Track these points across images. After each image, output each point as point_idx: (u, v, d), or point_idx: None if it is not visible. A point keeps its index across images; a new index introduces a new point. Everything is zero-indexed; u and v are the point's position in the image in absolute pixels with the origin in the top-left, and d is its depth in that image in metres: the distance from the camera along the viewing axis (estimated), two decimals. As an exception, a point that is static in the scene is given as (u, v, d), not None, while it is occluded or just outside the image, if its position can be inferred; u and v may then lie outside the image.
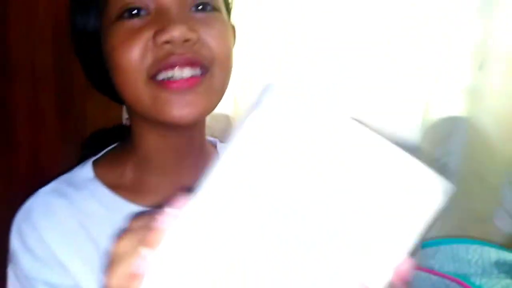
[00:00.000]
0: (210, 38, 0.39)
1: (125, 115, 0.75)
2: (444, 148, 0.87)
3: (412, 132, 0.81)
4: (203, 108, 0.39)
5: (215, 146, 0.50)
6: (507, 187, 0.82)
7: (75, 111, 0.79)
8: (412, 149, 0.78)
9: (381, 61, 0.81)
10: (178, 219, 0.24)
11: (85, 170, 0.45)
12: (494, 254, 0.45)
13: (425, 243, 0.53)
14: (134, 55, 0.37)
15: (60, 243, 0.41)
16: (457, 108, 0.86)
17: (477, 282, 0.41)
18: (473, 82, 0.83)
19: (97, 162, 0.46)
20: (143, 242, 0.25)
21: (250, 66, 0.79)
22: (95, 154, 0.47)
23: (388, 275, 0.25)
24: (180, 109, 0.37)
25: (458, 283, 0.42)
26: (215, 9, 0.41)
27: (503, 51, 0.81)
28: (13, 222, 0.44)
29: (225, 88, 0.41)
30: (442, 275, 0.45)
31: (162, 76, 0.38)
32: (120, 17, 0.38)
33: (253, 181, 0.24)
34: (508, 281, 0.41)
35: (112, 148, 0.48)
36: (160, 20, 0.37)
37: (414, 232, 0.25)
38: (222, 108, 0.75)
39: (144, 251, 0.25)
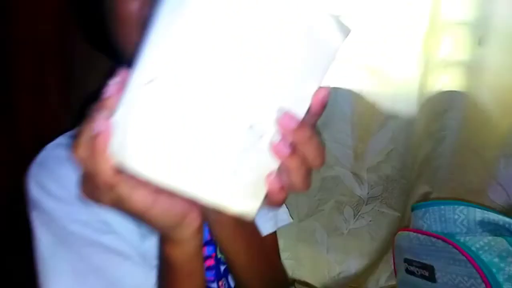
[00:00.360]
0: None
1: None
2: (441, 121, 0.88)
3: (409, 105, 0.82)
4: None
5: None
6: (502, 161, 0.83)
7: (77, 82, 0.80)
8: (408, 121, 0.80)
9: (381, 29, 0.81)
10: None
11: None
12: (479, 214, 0.47)
13: (415, 205, 0.55)
14: (134, 7, 0.40)
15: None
16: (455, 82, 0.86)
17: (462, 240, 0.44)
18: (472, 57, 0.84)
19: None
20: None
21: None
22: None
23: (307, 102, 0.33)
24: None
25: (444, 240, 0.44)
26: None
27: (503, 26, 0.81)
28: (27, 175, 0.46)
29: None
30: (429, 234, 0.47)
31: None
32: None
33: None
34: (490, 238, 0.43)
35: None
36: None
37: (323, 65, 0.34)
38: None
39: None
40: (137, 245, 0.45)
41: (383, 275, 0.95)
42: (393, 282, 0.86)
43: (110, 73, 0.51)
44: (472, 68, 0.84)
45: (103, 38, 0.45)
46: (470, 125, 0.85)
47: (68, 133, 0.50)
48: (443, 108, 0.87)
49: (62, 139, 0.49)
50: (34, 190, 0.46)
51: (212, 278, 0.52)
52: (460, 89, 0.86)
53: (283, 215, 0.67)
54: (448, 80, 0.86)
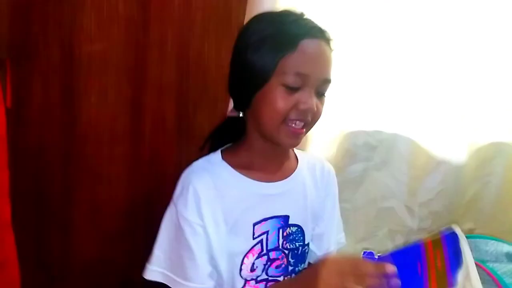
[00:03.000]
0: (318, 112, 0.68)
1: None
2: (488, 168, 1.04)
3: (459, 152, 1.00)
4: (297, 144, 0.70)
5: (295, 156, 0.79)
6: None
7: (189, 117, 1.06)
8: (458, 166, 1.01)
9: (438, 90, 1.00)
10: None
11: (216, 155, 0.73)
12: (506, 247, 0.64)
13: None
14: (285, 108, 0.64)
15: (205, 201, 0.68)
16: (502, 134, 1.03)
17: (491, 265, 0.61)
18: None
19: (223, 151, 0.74)
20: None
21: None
22: (217, 144, 0.75)
23: None
24: (289, 142, 0.68)
25: (477, 264, 0.62)
26: (325, 95, 0.69)
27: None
28: (182, 174, 0.72)
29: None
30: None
31: (289, 123, 0.66)
32: (283, 86, 0.64)
33: None
34: (512, 266, 0.60)
35: (231, 145, 0.75)
36: (304, 95, 0.65)
37: None
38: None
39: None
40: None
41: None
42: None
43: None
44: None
45: (242, 102, 0.70)
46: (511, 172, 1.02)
47: (204, 158, 0.74)
48: (490, 156, 1.03)
49: (201, 162, 0.73)
50: (178, 189, 0.70)
51: (280, 274, 0.72)
52: (507, 140, 1.02)
53: (342, 238, 0.85)
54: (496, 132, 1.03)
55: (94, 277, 1.09)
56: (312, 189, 0.77)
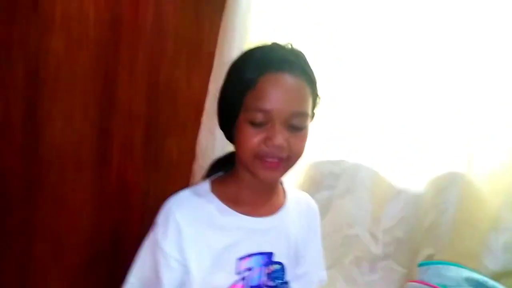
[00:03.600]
0: (294, 146, 0.67)
1: (197, 151, 1.01)
2: (444, 196, 1.11)
3: (418, 183, 1.07)
4: (276, 178, 0.70)
5: (281, 183, 0.79)
6: (493, 234, 1.06)
7: (157, 144, 1.05)
8: (417, 194, 1.06)
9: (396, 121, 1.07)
10: None
11: (205, 186, 0.73)
12: (466, 273, 0.69)
13: (421, 263, 0.77)
14: (253, 145, 0.65)
15: (187, 237, 0.67)
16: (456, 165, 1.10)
17: (452, 290, 0.66)
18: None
19: (213, 181, 0.74)
20: None
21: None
22: (210, 174, 0.75)
23: None
24: (266, 175, 0.67)
25: None
26: (302, 128, 0.68)
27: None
28: (167, 202, 0.70)
29: (291, 168, 0.70)
30: (430, 285, 0.69)
31: (263, 158, 0.66)
32: (249, 122, 0.66)
33: None
34: (471, 290, 0.65)
35: (222, 174, 0.76)
36: (270, 131, 0.64)
37: None
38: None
39: None
40: None
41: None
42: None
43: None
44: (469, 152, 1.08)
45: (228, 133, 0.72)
46: (467, 201, 1.09)
47: (192, 188, 0.73)
48: (446, 185, 1.10)
49: (187, 192, 0.72)
50: (161, 218, 0.69)
51: None
52: (461, 171, 1.09)
53: (324, 275, 0.85)
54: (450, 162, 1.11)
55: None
56: (298, 226, 0.78)
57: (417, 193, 1.08)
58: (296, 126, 0.66)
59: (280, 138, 0.64)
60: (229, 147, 0.99)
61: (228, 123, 0.69)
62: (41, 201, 0.99)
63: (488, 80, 1.05)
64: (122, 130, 1.04)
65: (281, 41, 0.69)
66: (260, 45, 0.70)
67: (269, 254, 0.72)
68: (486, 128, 1.07)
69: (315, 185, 1.10)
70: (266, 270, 0.72)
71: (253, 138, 0.65)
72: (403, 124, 1.09)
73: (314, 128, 1.00)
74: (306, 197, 0.83)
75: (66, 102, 1.00)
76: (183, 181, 1.02)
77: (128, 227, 1.05)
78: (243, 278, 0.70)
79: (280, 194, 0.77)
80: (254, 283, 0.71)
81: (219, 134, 0.96)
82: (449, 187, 1.11)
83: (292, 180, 1.05)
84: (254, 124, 0.64)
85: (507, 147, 1.07)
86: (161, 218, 0.70)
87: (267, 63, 0.65)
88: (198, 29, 1.03)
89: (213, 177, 0.75)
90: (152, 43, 1.03)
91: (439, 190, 1.10)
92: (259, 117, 0.64)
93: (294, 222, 0.76)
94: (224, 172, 0.76)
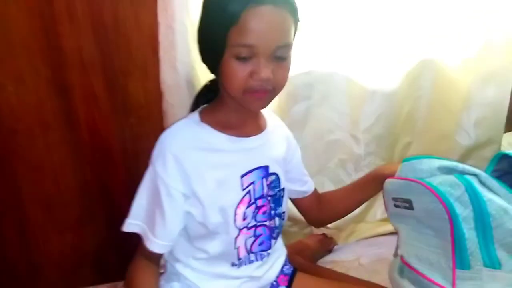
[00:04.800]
0: (279, 76, 0.70)
1: (163, 88, 0.99)
2: (418, 84, 1.14)
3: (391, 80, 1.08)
4: (265, 105, 0.74)
5: (263, 115, 0.86)
6: (465, 112, 1.11)
7: (121, 88, 1.03)
8: (391, 92, 1.08)
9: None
10: None
11: (194, 116, 0.78)
12: (437, 162, 0.74)
13: (403, 160, 0.82)
14: (239, 80, 0.68)
15: (188, 165, 0.73)
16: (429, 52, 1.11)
17: (427, 180, 0.71)
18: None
19: (200, 112, 0.79)
20: None
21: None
22: (196, 107, 0.81)
23: None
24: (255, 106, 0.73)
25: (416, 181, 0.72)
26: (286, 58, 0.70)
27: None
28: (161, 136, 0.75)
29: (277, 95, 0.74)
30: (406, 179, 0.75)
31: (250, 91, 0.69)
32: (235, 57, 0.67)
33: None
34: (444, 176, 0.71)
35: (207, 105, 0.80)
36: (255, 65, 0.67)
37: None
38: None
39: None
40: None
41: (378, 211, 1.25)
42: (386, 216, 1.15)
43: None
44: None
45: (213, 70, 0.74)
46: (439, 85, 1.12)
47: (183, 120, 0.78)
48: (418, 74, 1.12)
49: (181, 123, 0.77)
50: (156, 151, 0.74)
51: (266, 219, 0.81)
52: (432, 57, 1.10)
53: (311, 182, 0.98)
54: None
55: (65, 271, 1.11)
56: (280, 142, 0.86)
57: (392, 89, 1.10)
58: (280, 57, 0.69)
59: (266, 71, 0.67)
60: (194, 76, 0.97)
61: (213, 59, 0.71)
62: (18, 170, 1.00)
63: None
64: (80, 82, 1.00)
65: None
66: None
67: (266, 167, 0.81)
68: (450, 15, 1.06)
69: (291, 98, 1.11)
70: (266, 182, 0.81)
71: (240, 73, 0.68)
72: (367, 24, 1.07)
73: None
74: (277, 119, 0.91)
75: (11, 64, 0.94)
76: (156, 121, 1.02)
77: (112, 175, 1.08)
78: (248, 192, 0.78)
79: (261, 117, 0.85)
80: (258, 194, 0.80)
81: (181, 66, 0.94)
82: (421, 74, 1.13)
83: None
84: (239, 58, 0.67)
85: (477, 27, 1.07)
86: (157, 152, 0.74)
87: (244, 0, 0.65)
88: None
89: (200, 108, 0.80)
90: (85, -20, 0.94)
91: (414, 79, 1.13)
92: (244, 52, 0.66)
93: (276, 138, 0.86)
94: (207, 103, 0.81)
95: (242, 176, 0.77)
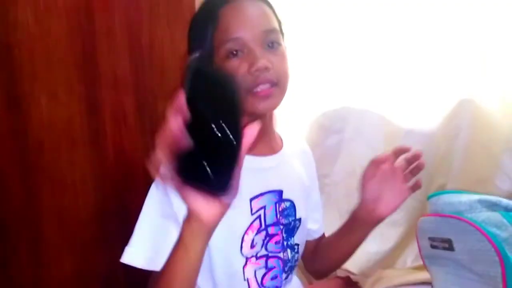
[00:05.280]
0: (278, 65, 0.67)
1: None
2: (455, 122, 1.10)
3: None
4: (274, 105, 0.69)
5: (280, 137, 0.81)
6: (506, 154, 1.05)
7: (150, 109, 1.03)
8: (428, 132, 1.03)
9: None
10: None
11: None
12: (477, 196, 0.68)
13: (430, 195, 0.77)
14: (240, 74, 0.64)
15: None
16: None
17: (469, 216, 0.65)
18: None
19: None
20: None
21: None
22: None
23: None
24: (264, 106, 0.67)
25: (456, 218, 0.66)
26: (279, 44, 0.68)
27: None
28: None
29: (285, 93, 0.70)
30: (445, 215, 0.69)
31: (254, 90, 0.65)
32: (227, 57, 0.65)
33: None
34: (488, 213, 0.65)
35: None
36: (250, 58, 0.64)
37: None
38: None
39: None
40: None
41: (409, 258, 1.17)
42: (418, 263, 1.07)
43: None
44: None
45: None
46: (478, 125, 1.07)
47: None
48: (456, 113, 1.09)
49: None
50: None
51: (279, 250, 0.74)
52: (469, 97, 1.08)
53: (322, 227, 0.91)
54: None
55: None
56: (298, 167, 0.80)
57: (429, 129, 1.06)
58: (272, 43, 0.67)
59: (262, 60, 0.64)
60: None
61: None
62: (40, 184, 0.99)
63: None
64: (111, 100, 1.02)
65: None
66: None
67: (279, 192, 0.74)
68: (491, 54, 1.04)
69: (324, 131, 1.09)
70: (279, 208, 0.74)
71: (237, 70, 0.65)
72: (404, 64, 1.06)
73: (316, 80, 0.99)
74: (300, 140, 0.86)
75: (47, 78, 0.97)
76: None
77: (133, 197, 1.06)
78: (258, 217, 0.72)
79: (278, 139, 0.80)
80: (270, 221, 0.73)
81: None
82: (459, 114, 1.10)
83: (300, 130, 1.04)
84: (232, 55, 0.65)
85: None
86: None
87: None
88: (173, -22, 0.98)
89: None
90: (127, 2, 0.98)
91: (451, 119, 1.09)
92: (233, 45, 0.65)
93: (294, 162, 0.80)
94: None
95: (252, 199, 0.71)
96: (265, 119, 0.72)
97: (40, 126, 0.98)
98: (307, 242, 0.85)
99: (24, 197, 0.99)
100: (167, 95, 1.06)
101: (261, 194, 0.72)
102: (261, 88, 0.65)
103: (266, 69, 0.64)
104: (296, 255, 0.79)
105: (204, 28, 0.66)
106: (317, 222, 0.87)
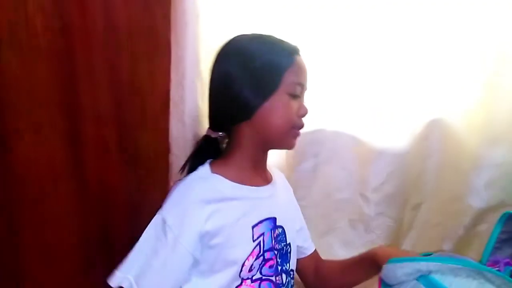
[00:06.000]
0: None
1: (172, 142, 1.03)
2: (426, 144, 1.15)
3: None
4: None
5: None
6: (473, 173, 1.10)
7: (132, 142, 1.08)
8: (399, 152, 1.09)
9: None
10: None
11: (205, 169, 0.81)
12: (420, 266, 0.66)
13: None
14: (292, 115, 0.81)
15: (205, 217, 0.74)
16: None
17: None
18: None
19: (210, 164, 0.82)
20: None
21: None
22: (197, 163, 0.84)
23: None
24: (294, 143, 0.84)
25: None
26: None
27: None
28: (176, 188, 0.78)
29: None
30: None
31: (295, 128, 0.82)
32: (291, 95, 0.80)
33: None
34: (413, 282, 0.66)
35: (215, 160, 0.84)
36: (299, 102, 0.82)
37: None
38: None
39: None
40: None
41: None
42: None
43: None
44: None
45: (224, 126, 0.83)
46: (448, 143, 1.13)
47: (192, 174, 0.81)
48: (426, 134, 1.14)
49: (191, 177, 0.80)
50: (170, 203, 0.76)
51: (272, 274, 0.80)
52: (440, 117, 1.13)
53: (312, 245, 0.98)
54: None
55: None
56: (283, 192, 0.91)
57: (400, 149, 1.11)
58: None
59: (306, 107, 0.82)
60: (200, 130, 1.01)
61: (254, 103, 0.78)
62: (24, 219, 1.02)
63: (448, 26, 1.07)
64: (93, 135, 1.06)
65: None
66: (256, 36, 0.82)
67: (274, 219, 0.82)
68: (454, 72, 1.11)
69: (299, 155, 1.14)
70: (274, 234, 0.82)
71: (292, 109, 0.80)
72: (370, 86, 1.12)
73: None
74: (280, 173, 0.96)
75: (31, 117, 1.02)
76: (162, 173, 1.06)
77: (116, 229, 1.09)
78: (259, 244, 0.79)
79: (267, 170, 0.90)
80: (267, 246, 0.81)
81: (188, 120, 1.00)
82: (430, 135, 1.15)
83: (276, 154, 1.09)
84: (292, 95, 0.79)
85: (479, 83, 1.10)
86: (172, 202, 0.76)
87: (294, 46, 0.82)
88: (151, 17, 1.04)
89: (207, 162, 0.83)
90: (107, 41, 1.04)
91: (421, 139, 1.14)
92: (298, 89, 0.80)
93: (280, 190, 0.89)
94: (210, 158, 0.84)
95: (253, 226, 0.78)
96: (266, 153, 0.86)
97: (24, 162, 1.02)
98: (303, 261, 0.93)
99: (5, 235, 1.02)
100: (147, 127, 1.11)
101: (260, 222, 0.79)
102: (298, 129, 0.82)
103: (306, 114, 0.82)
104: (292, 281, 0.86)
105: (279, 67, 0.78)
106: (306, 239, 0.95)
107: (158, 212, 0.76)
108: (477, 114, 1.13)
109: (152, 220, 0.76)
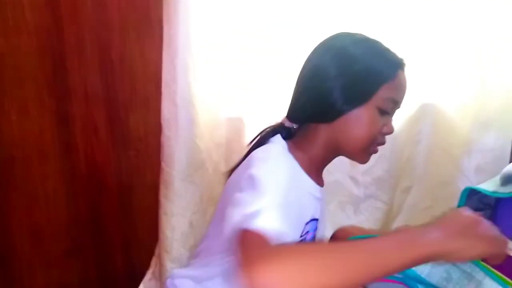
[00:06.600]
0: None
1: (164, 123, 1.02)
2: (417, 128, 1.16)
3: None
4: None
5: None
6: (466, 157, 1.12)
7: (122, 122, 1.07)
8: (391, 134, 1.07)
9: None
10: None
11: (283, 144, 0.76)
12: None
13: None
14: (376, 130, 0.75)
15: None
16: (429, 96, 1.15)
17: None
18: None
19: (287, 143, 0.77)
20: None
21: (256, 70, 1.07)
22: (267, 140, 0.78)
23: None
24: (369, 158, 0.79)
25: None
26: None
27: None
28: (269, 148, 0.74)
29: None
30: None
31: (375, 145, 0.77)
32: (381, 110, 0.73)
33: None
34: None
35: (292, 141, 0.78)
36: (387, 120, 0.76)
37: None
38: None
39: None
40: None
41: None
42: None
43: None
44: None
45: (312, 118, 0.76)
46: (439, 129, 1.14)
47: (278, 144, 0.76)
48: (418, 117, 1.15)
49: (277, 144, 0.76)
50: (271, 154, 0.71)
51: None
52: (431, 101, 1.14)
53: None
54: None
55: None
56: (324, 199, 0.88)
57: (393, 134, 1.12)
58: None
59: (393, 127, 0.77)
60: (193, 110, 1.00)
61: (343, 108, 0.73)
62: (11, 199, 1.03)
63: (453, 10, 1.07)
64: (82, 114, 1.06)
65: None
66: (371, 38, 0.77)
67: (317, 221, 0.80)
68: (447, 57, 1.11)
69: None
70: (313, 235, 0.81)
71: (378, 125, 0.74)
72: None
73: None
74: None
75: (17, 94, 1.01)
76: (153, 155, 1.05)
77: (105, 209, 1.09)
78: (302, 240, 0.77)
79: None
80: None
81: (180, 100, 0.99)
82: (421, 119, 1.16)
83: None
84: (381, 111, 0.73)
85: (471, 69, 1.11)
86: (275, 154, 0.71)
87: (400, 60, 0.76)
88: (142, -3, 1.03)
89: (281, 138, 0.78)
90: (96, 18, 1.02)
91: (413, 123, 1.15)
92: (390, 106, 0.74)
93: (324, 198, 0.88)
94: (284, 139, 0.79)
95: (307, 223, 0.76)
96: (334, 158, 0.82)
97: (11, 142, 1.01)
98: None
99: (-4, 213, 1.02)
100: (137, 107, 1.10)
101: (311, 220, 0.77)
102: (377, 147, 0.78)
103: (390, 134, 0.78)
104: None
105: (377, 78, 0.73)
106: None
107: (258, 159, 0.69)
108: (468, 99, 1.14)
109: (262, 162, 0.67)
